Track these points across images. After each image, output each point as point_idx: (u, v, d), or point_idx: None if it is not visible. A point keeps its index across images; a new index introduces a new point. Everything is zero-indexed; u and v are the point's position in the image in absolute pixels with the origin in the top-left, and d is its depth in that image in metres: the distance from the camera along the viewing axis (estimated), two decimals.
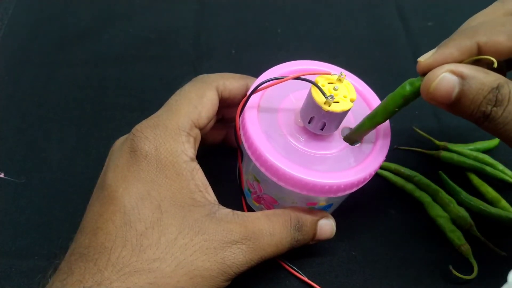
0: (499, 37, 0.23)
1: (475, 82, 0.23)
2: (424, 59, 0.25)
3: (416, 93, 0.25)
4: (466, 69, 0.23)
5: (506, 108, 0.22)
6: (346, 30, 0.49)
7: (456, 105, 0.24)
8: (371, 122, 0.27)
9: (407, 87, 0.25)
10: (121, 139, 0.29)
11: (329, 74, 0.27)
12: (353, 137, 0.28)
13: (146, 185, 0.26)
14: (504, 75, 0.31)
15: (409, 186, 0.37)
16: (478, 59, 0.24)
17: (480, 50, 0.24)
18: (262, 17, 0.50)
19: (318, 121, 0.26)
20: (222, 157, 0.37)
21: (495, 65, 0.23)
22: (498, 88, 0.22)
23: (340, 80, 0.26)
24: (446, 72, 0.23)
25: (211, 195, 0.27)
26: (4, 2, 0.48)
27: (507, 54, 0.24)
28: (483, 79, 0.23)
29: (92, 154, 0.38)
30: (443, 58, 0.24)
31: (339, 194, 0.27)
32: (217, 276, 0.25)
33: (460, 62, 0.24)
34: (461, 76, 0.23)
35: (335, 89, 0.26)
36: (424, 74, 0.24)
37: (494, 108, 0.23)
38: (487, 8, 0.27)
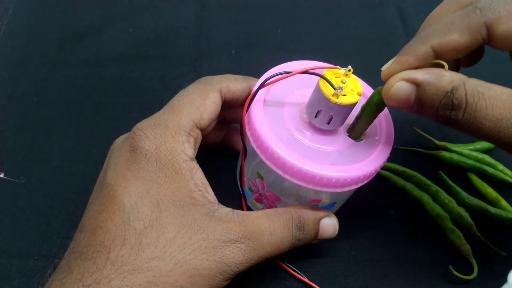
0: (451, 36, 0.23)
1: (429, 88, 0.22)
2: (385, 67, 0.25)
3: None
4: (420, 75, 0.23)
5: (466, 110, 0.22)
6: (346, 30, 0.49)
7: (419, 109, 0.24)
8: (355, 131, 0.28)
9: (375, 95, 0.26)
10: (122, 137, 0.29)
11: (337, 68, 0.27)
12: (352, 136, 0.29)
13: (146, 184, 0.26)
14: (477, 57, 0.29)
15: (409, 186, 0.37)
16: (435, 63, 0.24)
17: (436, 53, 0.24)
18: (262, 17, 0.50)
19: (325, 115, 0.27)
20: (222, 157, 0.37)
21: (446, 68, 0.23)
22: (452, 91, 0.22)
23: (347, 75, 0.27)
24: (399, 81, 0.23)
25: (210, 195, 0.27)
26: (4, 2, 0.48)
27: (464, 50, 0.24)
28: (437, 83, 0.22)
29: (92, 154, 0.38)
30: (400, 66, 0.24)
31: (345, 189, 0.27)
32: (215, 275, 0.25)
33: (417, 68, 0.24)
34: (414, 83, 0.23)
35: (342, 82, 0.26)
36: None
37: (453, 112, 0.22)
38: (443, 2, 0.27)
